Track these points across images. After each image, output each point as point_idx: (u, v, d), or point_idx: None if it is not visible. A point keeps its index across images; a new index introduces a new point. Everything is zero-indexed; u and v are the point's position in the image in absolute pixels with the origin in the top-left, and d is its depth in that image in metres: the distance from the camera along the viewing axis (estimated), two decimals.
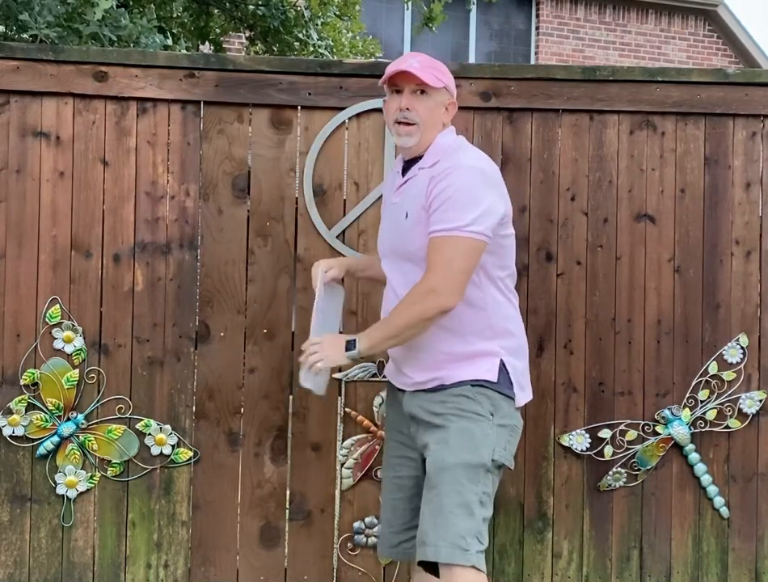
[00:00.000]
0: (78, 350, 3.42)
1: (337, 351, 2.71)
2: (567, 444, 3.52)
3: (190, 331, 3.47)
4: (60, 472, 3.42)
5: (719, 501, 3.56)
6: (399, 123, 2.76)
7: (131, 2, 6.04)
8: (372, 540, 3.47)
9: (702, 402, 3.55)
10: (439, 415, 2.69)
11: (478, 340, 2.73)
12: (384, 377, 3.10)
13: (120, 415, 3.44)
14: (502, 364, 2.73)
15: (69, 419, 3.41)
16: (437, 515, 2.59)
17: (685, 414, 3.53)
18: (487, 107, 3.50)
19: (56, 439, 3.41)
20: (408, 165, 2.83)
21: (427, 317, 2.63)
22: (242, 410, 3.48)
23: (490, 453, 2.65)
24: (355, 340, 2.71)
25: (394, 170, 2.93)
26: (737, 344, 3.55)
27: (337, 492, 3.51)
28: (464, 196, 2.62)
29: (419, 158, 2.78)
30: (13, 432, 3.40)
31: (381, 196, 3.19)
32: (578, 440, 3.52)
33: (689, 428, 3.53)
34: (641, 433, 3.54)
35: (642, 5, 12.29)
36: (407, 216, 2.74)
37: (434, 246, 2.63)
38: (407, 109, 2.74)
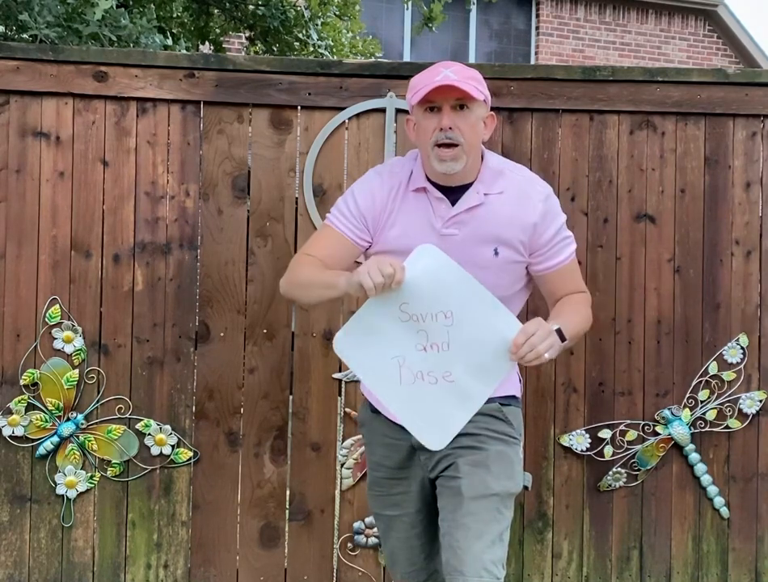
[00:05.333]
0: (78, 350, 3.42)
1: (554, 339, 2.34)
2: (567, 445, 3.52)
3: (190, 331, 3.47)
4: (60, 472, 3.41)
5: (719, 501, 3.56)
6: (440, 145, 2.39)
7: (131, 2, 6.04)
8: (372, 540, 3.47)
9: (702, 402, 3.54)
10: (470, 436, 2.45)
11: None
12: None
13: (119, 416, 3.44)
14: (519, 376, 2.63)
15: (68, 420, 3.41)
16: (475, 542, 2.39)
17: (685, 414, 3.53)
18: None
19: (56, 439, 3.41)
20: (449, 190, 2.46)
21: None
22: (242, 410, 3.48)
23: (522, 478, 2.55)
24: (560, 328, 2.38)
25: (430, 195, 2.48)
26: (737, 344, 3.55)
27: (337, 492, 3.50)
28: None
29: (466, 184, 2.47)
30: (13, 432, 3.40)
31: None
32: (578, 441, 3.52)
33: (689, 428, 3.53)
34: (641, 433, 3.53)
35: (642, 5, 12.29)
36: (496, 253, 2.47)
37: (570, 270, 2.58)
38: (450, 129, 2.38)
